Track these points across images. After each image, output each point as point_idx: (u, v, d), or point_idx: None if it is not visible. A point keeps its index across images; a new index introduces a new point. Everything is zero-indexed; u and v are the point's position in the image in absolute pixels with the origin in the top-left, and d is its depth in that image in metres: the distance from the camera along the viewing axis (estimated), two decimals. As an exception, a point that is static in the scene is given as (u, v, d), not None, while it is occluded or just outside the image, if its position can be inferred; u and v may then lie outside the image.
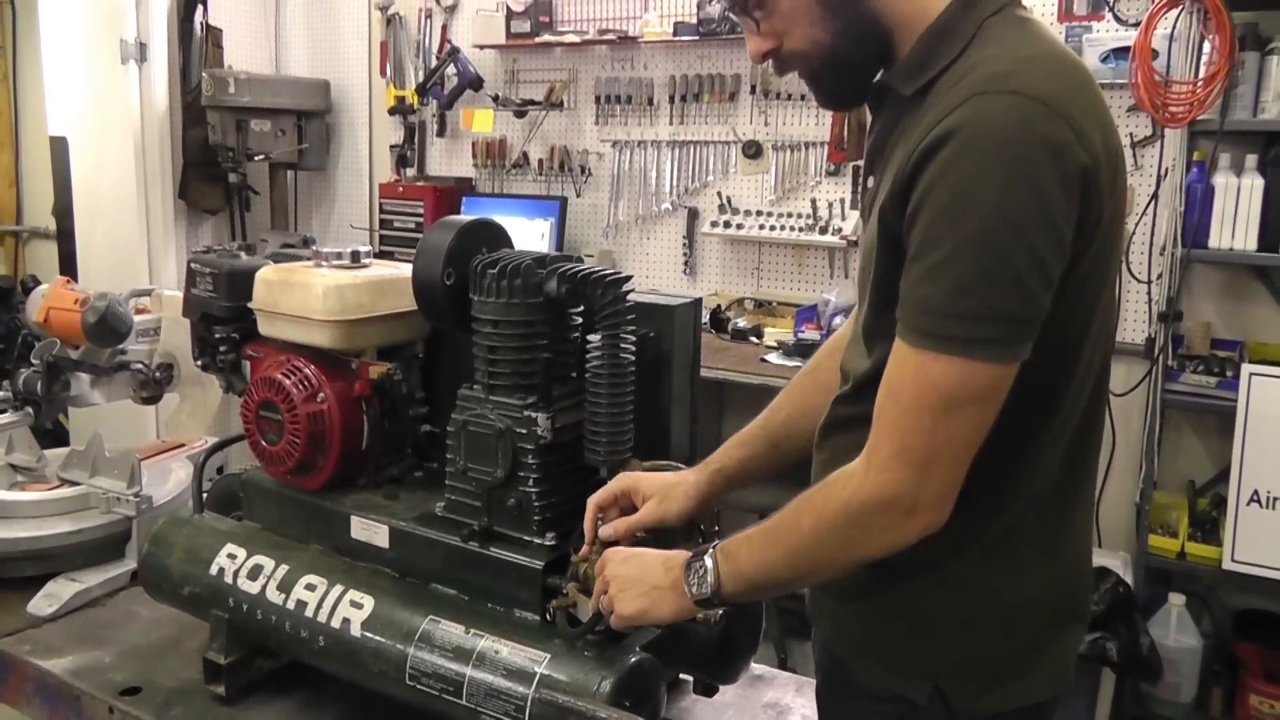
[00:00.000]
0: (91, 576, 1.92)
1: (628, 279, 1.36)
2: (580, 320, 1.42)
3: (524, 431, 1.34)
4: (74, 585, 1.89)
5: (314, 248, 1.61)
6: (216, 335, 1.66)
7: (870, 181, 1.21)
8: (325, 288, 1.49)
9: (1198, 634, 3.16)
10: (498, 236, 1.49)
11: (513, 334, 1.34)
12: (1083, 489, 1.22)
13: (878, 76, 1.20)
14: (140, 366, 2.21)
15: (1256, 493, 2.95)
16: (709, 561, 1.17)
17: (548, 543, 1.35)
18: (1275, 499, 2.92)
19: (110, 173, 4.88)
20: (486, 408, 1.36)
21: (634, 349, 1.35)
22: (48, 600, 1.85)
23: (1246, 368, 2.96)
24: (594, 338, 1.34)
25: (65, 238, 5.42)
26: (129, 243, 4.77)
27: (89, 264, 4.97)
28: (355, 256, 1.57)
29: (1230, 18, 2.96)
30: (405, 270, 1.57)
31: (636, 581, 1.21)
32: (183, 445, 2.37)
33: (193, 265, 1.67)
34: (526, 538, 1.36)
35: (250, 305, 1.59)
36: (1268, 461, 2.92)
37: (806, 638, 1.44)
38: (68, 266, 5.25)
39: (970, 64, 1.07)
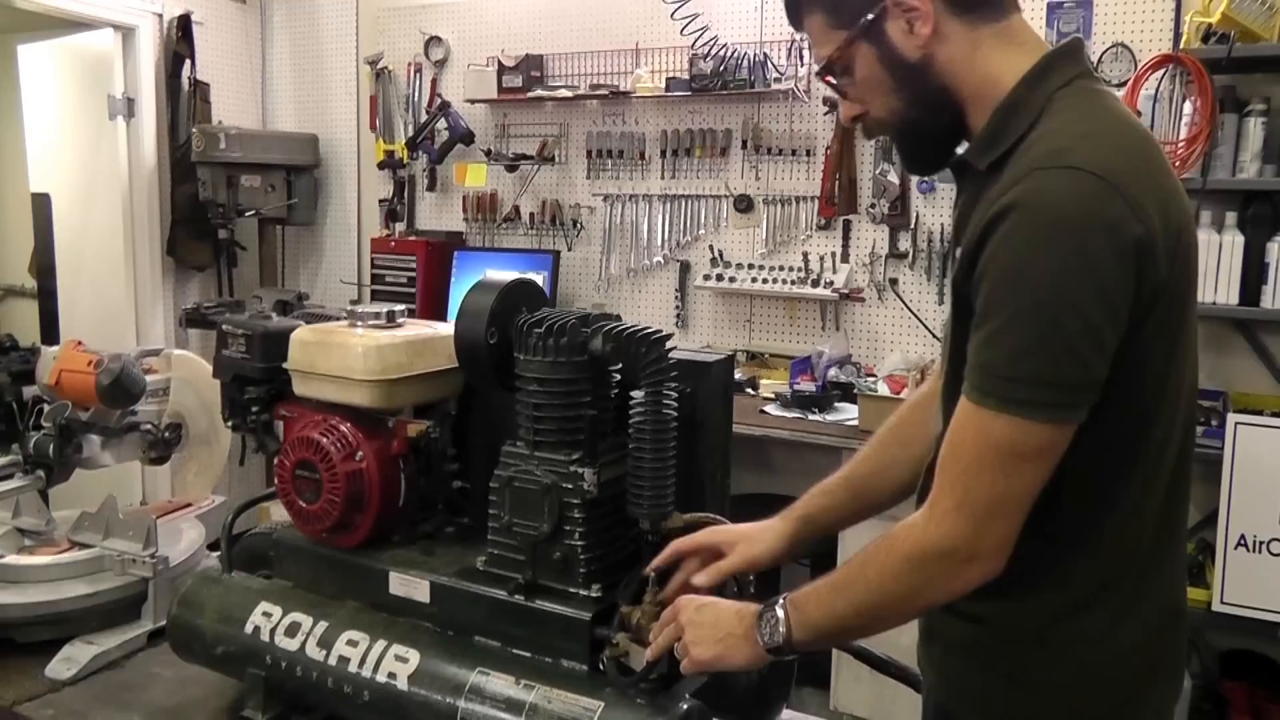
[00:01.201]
0: (109, 639, 1.90)
1: (669, 336, 1.40)
2: (619, 377, 1.45)
3: (570, 487, 1.36)
4: (92, 648, 1.87)
5: (349, 308, 1.63)
6: (248, 396, 1.67)
7: (957, 252, 1.26)
8: (365, 348, 1.51)
9: (1186, 675, 3.19)
10: (536, 295, 1.52)
11: (558, 391, 1.37)
12: (1176, 543, 1.27)
13: (960, 150, 1.26)
14: (150, 427, 2.20)
15: (1244, 537, 3.02)
16: (780, 612, 1.22)
17: (594, 594, 1.37)
18: (1262, 543, 2.99)
19: (97, 230, 4.88)
20: (532, 464, 1.39)
21: (676, 405, 1.38)
22: (66, 664, 1.83)
23: (1233, 417, 3.04)
24: (637, 394, 1.37)
25: (46, 296, 5.38)
26: (115, 300, 4.76)
27: (72, 323, 4.94)
28: (391, 316, 1.59)
29: (1211, 81, 3.09)
30: (440, 329, 1.60)
31: (712, 629, 1.25)
32: (189, 505, 2.37)
33: (224, 327, 1.69)
34: (572, 590, 1.38)
35: (285, 366, 1.60)
36: (1254, 506, 2.99)
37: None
38: (49, 326, 5.21)
39: (1035, 138, 1.13)
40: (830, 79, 1.28)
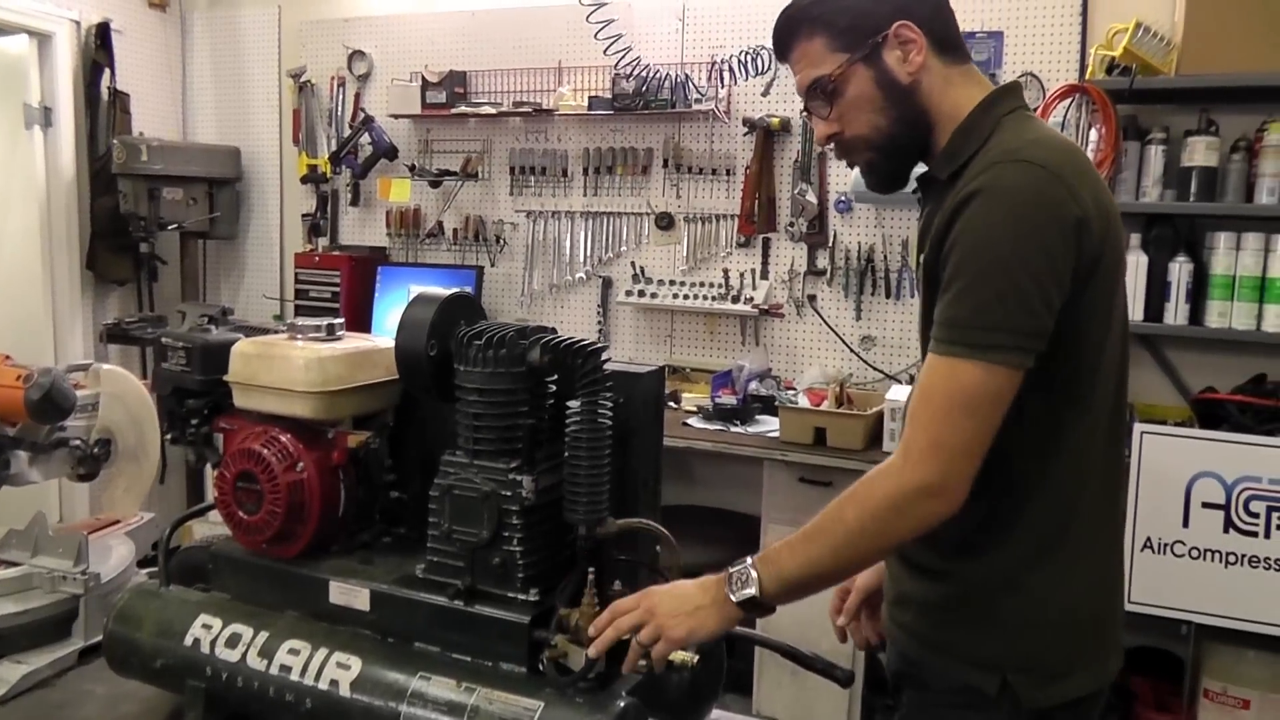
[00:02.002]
0: (39, 658, 1.88)
1: (604, 349, 1.45)
2: (555, 387, 1.51)
3: (508, 494, 1.41)
4: (21, 667, 1.85)
5: (289, 321, 1.65)
6: (187, 408, 1.69)
7: (922, 257, 1.44)
8: (306, 360, 1.54)
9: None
10: (474, 309, 1.56)
11: (497, 401, 1.42)
12: (1116, 506, 1.48)
13: (924, 170, 1.50)
14: (79, 443, 2.18)
15: (1149, 539, 3.16)
16: (751, 570, 1.35)
17: (532, 598, 1.41)
18: (1166, 545, 3.14)
19: (11, 243, 4.76)
20: (471, 472, 1.43)
21: (611, 414, 1.44)
22: (-6, 684, 1.82)
23: (1139, 427, 3.19)
24: (574, 404, 1.41)
25: (-46, 312, 5.23)
26: (32, 316, 4.63)
27: (-15, 339, 4.81)
28: (330, 329, 1.63)
29: (1115, 110, 3.28)
30: (378, 342, 1.63)
31: (679, 610, 1.35)
32: (117, 522, 2.35)
33: (164, 340, 1.70)
34: (511, 594, 1.42)
35: (226, 378, 1.62)
36: (1160, 511, 3.14)
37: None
38: (-45, 341, 5.07)
39: (989, 148, 1.38)
40: (821, 99, 1.46)
